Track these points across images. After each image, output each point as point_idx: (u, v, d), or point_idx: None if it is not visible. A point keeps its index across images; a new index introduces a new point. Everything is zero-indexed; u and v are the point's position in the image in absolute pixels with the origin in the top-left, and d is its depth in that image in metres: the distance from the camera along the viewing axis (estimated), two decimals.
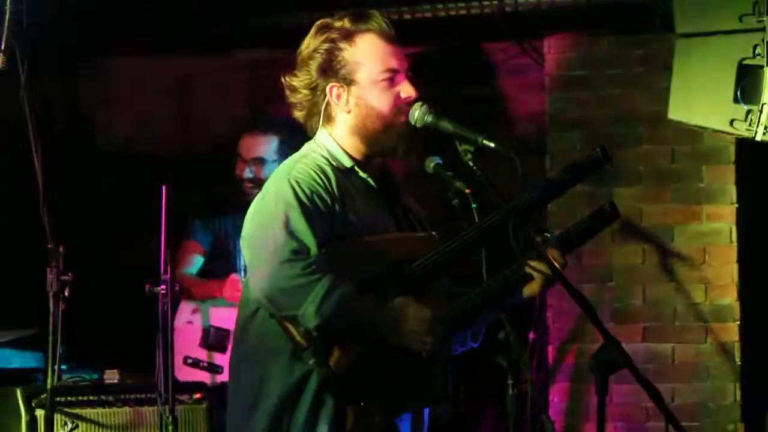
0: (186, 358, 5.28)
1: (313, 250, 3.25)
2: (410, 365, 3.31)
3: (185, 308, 5.38)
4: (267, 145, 5.54)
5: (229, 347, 5.14)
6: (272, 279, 3.22)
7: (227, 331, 5.28)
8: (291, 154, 5.46)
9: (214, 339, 5.34)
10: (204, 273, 5.59)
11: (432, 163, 3.94)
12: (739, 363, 6.12)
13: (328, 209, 3.33)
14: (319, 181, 3.35)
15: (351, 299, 3.23)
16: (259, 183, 5.43)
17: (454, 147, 3.39)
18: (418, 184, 3.72)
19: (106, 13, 6.02)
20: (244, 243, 3.40)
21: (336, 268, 3.25)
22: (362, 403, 3.27)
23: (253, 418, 3.33)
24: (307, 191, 3.31)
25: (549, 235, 3.47)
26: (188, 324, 5.34)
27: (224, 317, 5.32)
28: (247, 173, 5.51)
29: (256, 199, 3.45)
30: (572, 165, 3.48)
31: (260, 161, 5.50)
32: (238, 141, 5.61)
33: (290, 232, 3.25)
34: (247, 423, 3.35)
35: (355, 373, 3.25)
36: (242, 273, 5.24)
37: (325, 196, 3.33)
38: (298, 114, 3.54)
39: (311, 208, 3.29)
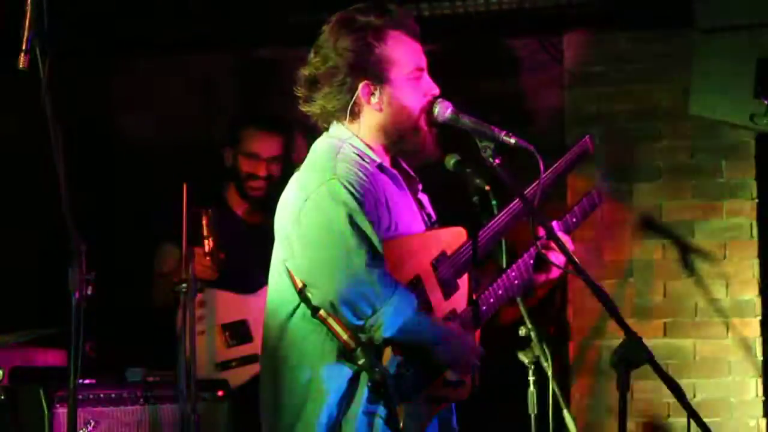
0: (216, 366, 5.26)
1: (380, 250, 3.22)
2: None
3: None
4: (278, 144, 5.59)
5: (256, 340, 5.15)
6: (351, 284, 3.17)
7: (242, 321, 5.28)
8: (287, 153, 5.48)
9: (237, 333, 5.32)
10: None
11: (452, 160, 3.96)
12: (761, 358, 6.10)
13: (378, 208, 3.30)
14: (365, 179, 3.31)
15: (418, 316, 3.22)
16: (272, 180, 5.44)
17: (474, 143, 3.39)
18: (428, 179, 3.71)
19: (127, 12, 6.04)
20: (299, 246, 3.30)
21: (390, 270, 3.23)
22: (413, 401, 3.27)
23: (304, 417, 3.30)
24: (361, 190, 3.26)
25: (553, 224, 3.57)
26: (201, 335, 5.24)
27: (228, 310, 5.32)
28: (262, 171, 5.51)
29: (293, 199, 3.35)
30: (564, 156, 3.57)
31: (278, 159, 5.53)
32: (243, 136, 5.62)
33: (359, 234, 3.20)
34: (298, 422, 3.32)
35: (405, 372, 3.25)
36: None
37: (374, 194, 3.30)
38: (311, 109, 3.49)
39: (368, 207, 3.25)
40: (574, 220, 3.73)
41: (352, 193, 3.24)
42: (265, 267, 4.92)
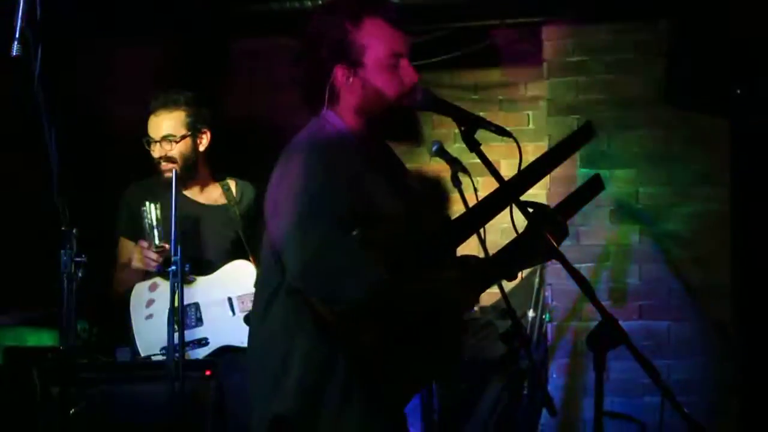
0: (161, 349, 5.02)
1: (351, 226, 3.24)
2: (433, 337, 3.34)
3: (137, 307, 5.21)
4: (173, 122, 5.41)
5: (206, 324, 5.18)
6: (317, 257, 3.19)
7: (194, 305, 5.30)
8: (199, 128, 5.41)
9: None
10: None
11: (433, 146, 4.01)
12: (734, 340, 6.19)
13: (353, 187, 3.32)
14: (342, 159, 3.35)
15: (391, 284, 3.22)
16: (170, 160, 5.31)
17: (455, 129, 3.44)
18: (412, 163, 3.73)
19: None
20: (274, 221, 3.36)
21: (366, 249, 3.25)
22: (393, 378, 3.29)
23: (281, 387, 3.33)
24: (335, 168, 3.30)
25: (548, 207, 3.59)
26: (149, 319, 5.16)
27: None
28: (159, 152, 5.36)
29: (274, 177, 3.41)
30: (561, 142, 3.60)
31: (169, 138, 5.36)
32: (147, 123, 5.45)
33: (329, 210, 3.23)
34: (275, 393, 3.34)
35: (385, 348, 3.26)
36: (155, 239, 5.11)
37: (348, 173, 3.33)
38: (299, 92, 3.55)
39: (342, 184, 3.29)
40: (571, 206, 3.72)
41: (327, 170, 3.29)
42: (215, 249, 5.12)
